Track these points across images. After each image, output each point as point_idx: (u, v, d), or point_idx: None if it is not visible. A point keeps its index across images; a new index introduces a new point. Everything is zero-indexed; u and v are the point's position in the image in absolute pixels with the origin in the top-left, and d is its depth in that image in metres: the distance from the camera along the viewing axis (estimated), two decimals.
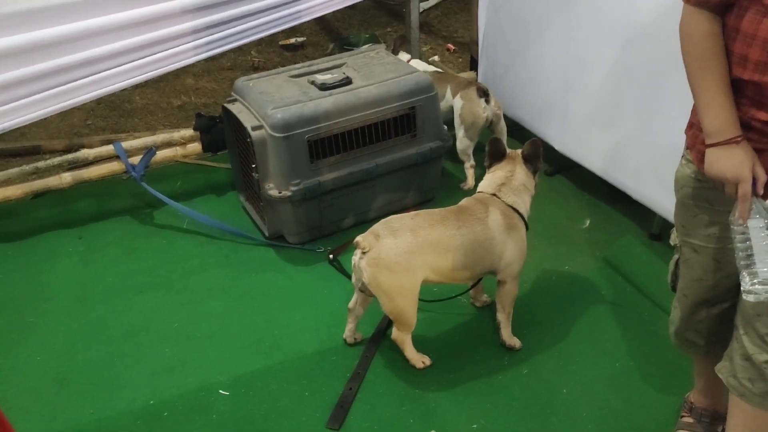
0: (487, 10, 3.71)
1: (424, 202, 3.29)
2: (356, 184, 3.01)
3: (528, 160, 2.40)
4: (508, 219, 2.30)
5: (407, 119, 3.04)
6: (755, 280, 1.41)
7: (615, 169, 3.01)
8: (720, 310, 1.73)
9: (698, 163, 1.57)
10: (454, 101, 3.36)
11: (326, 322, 2.59)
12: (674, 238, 1.80)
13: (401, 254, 2.16)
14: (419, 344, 2.39)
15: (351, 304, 2.42)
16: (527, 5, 3.37)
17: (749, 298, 1.44)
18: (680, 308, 1.83)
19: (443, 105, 3.36)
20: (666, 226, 2.82)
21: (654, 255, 2.89)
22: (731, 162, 1.43)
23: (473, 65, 4.28)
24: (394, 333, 2.31)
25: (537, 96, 3.46)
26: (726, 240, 1.57)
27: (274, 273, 2.89)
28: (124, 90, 3.11)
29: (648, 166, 2.78)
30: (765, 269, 1.40)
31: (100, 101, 4.34)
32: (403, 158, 3.07)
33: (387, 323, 2.52)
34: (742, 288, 1.44)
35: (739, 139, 1.44)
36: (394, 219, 2.27)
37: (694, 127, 1.59)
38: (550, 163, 3.58)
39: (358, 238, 2.21)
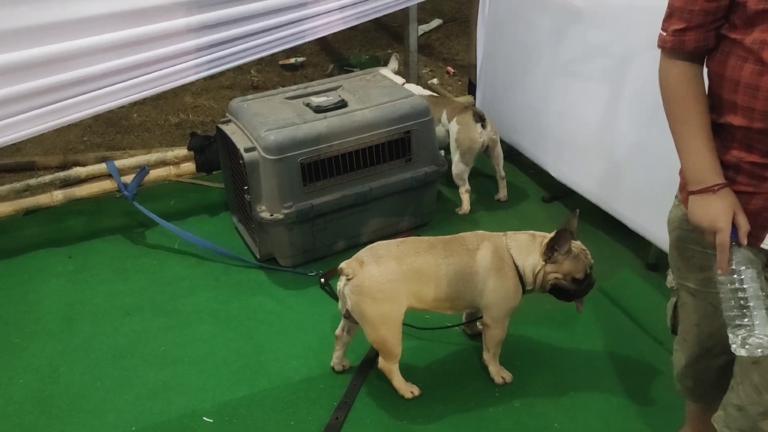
0: (486, 36, 3.71)
1: (419, 226, 3.25)
2: (350, 207, 2.98)
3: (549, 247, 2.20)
4: (498, 260, 2.20)
5: (402, 143, 3.02)
6: (752, 333, 1.33)
7: (611, 197, 2.97)
8: (724, 361, 1.65)
9: (686, 205, 1.54)
10: (450, 126, 3.34)
11: (315, 349, 2.54)
12: (671, 281, 1.73)
13: (385, 282, 2.11)
14: (408, 373, 2.34)
15: (338, 331, 2.37)
16: (525, 31, 3.37)
17: (741, 352, 1.36)
18: (681, 353, 1.76)
19: (439, 129, 3.34)
20: (662, 257, 2.77)
21: (651, 286, 2.84)
22: (707, 212, 1.40)
23: (471, 89, 4.26)
24: (381, 362, 2.26)
25: (534, 122, 3.43)
26: None
27: (264, 296, 2.84)
28: (121, 107, 3.11)
29: (644, 196, 2.74)
30: (758, 322, 1.32)
31: (97, 118, 4.32)
32: (398, 182, 3.04)
33: (376, 352, 2.46)
34: (731, 341, 1.36)
35: (716, 188, 1.39)
36: (379, 245, 2.23)
37: None
38: (547, 190, 3.55)
39: (342, 265, 2.17)
